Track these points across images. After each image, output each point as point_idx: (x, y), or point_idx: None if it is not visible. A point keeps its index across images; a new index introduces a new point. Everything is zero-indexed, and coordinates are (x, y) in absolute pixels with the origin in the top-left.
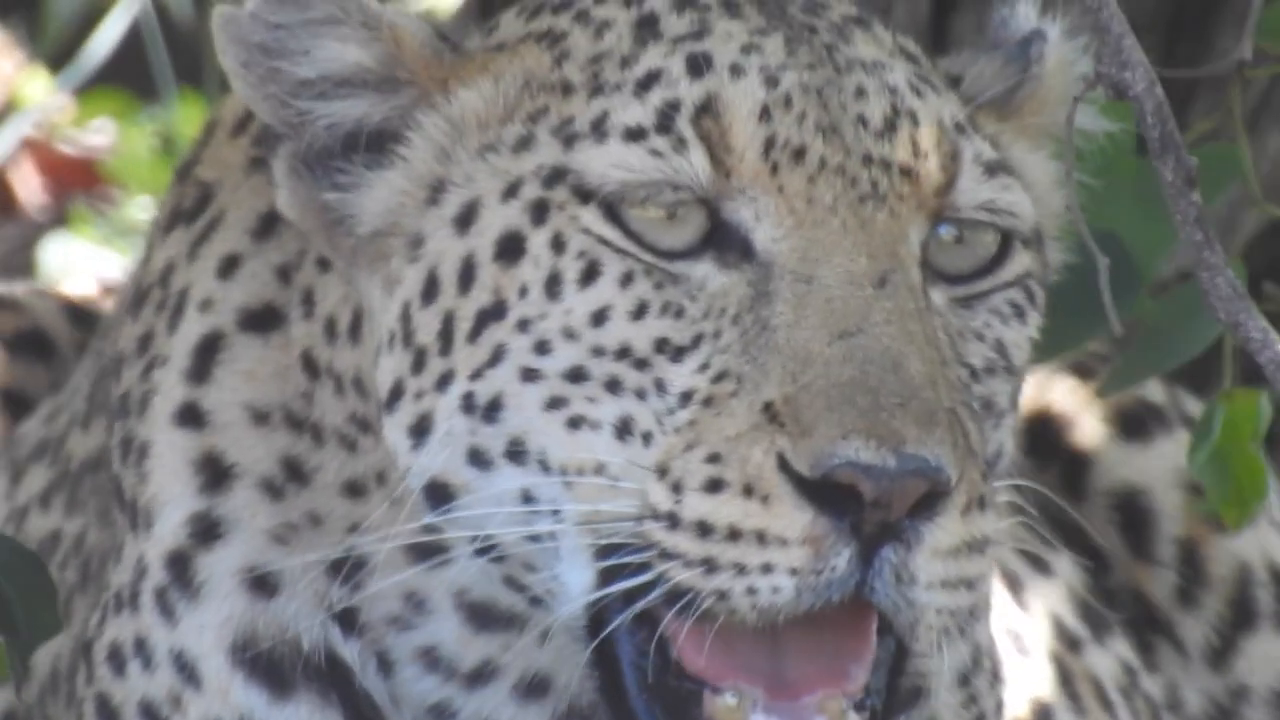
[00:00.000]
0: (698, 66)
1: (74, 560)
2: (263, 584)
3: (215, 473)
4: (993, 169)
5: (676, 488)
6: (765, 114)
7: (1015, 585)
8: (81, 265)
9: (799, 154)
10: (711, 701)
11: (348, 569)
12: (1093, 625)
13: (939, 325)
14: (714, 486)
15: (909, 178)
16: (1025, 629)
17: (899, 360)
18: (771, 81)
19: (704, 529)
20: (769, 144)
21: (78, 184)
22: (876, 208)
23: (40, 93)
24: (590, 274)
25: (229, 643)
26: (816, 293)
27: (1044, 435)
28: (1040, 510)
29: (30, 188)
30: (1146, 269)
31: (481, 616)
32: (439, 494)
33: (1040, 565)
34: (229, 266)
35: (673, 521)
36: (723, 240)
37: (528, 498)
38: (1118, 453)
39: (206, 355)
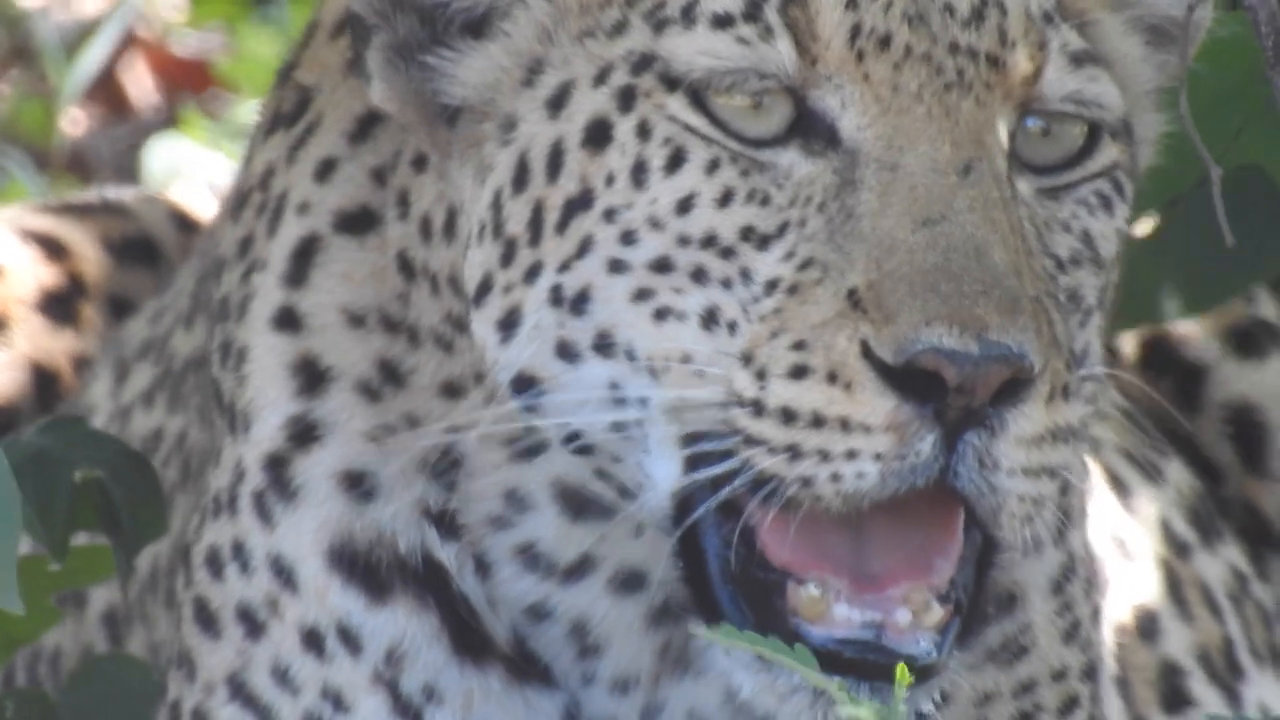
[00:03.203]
0: None
1: (175, 458)
2: (359, 487)
3: (312, 376)
4: (1079, 59)
5: (761, 375)
6: (852, 2)
7: (1123, 490)
8: (188, 167)
9: (885, 41)
10: (795, 592)
11: (440, 465)
12: (1203, 531)
13: (1025, 215)
14: (798, 373)
15: (996, 67)
16: (1130, 534)
17: (983, 248)
18: None
19: (788, 415)
20: (855, 31)
21: (190, 85)
22: (962, 96)
23: None
24: (676, 161)
25: (326, 546)
26: (901, 180)
27: (1158, 350)
28: (1154, 420)
29: (143, 88)
30: None
31: (578, 505)
32: (525, 386)
33: (1150, 471)
34: (326, 170)
35: (757, 408)
36: (809, 128)
37: (614, 388)
38: (1232, 368)
39: (303, 259)
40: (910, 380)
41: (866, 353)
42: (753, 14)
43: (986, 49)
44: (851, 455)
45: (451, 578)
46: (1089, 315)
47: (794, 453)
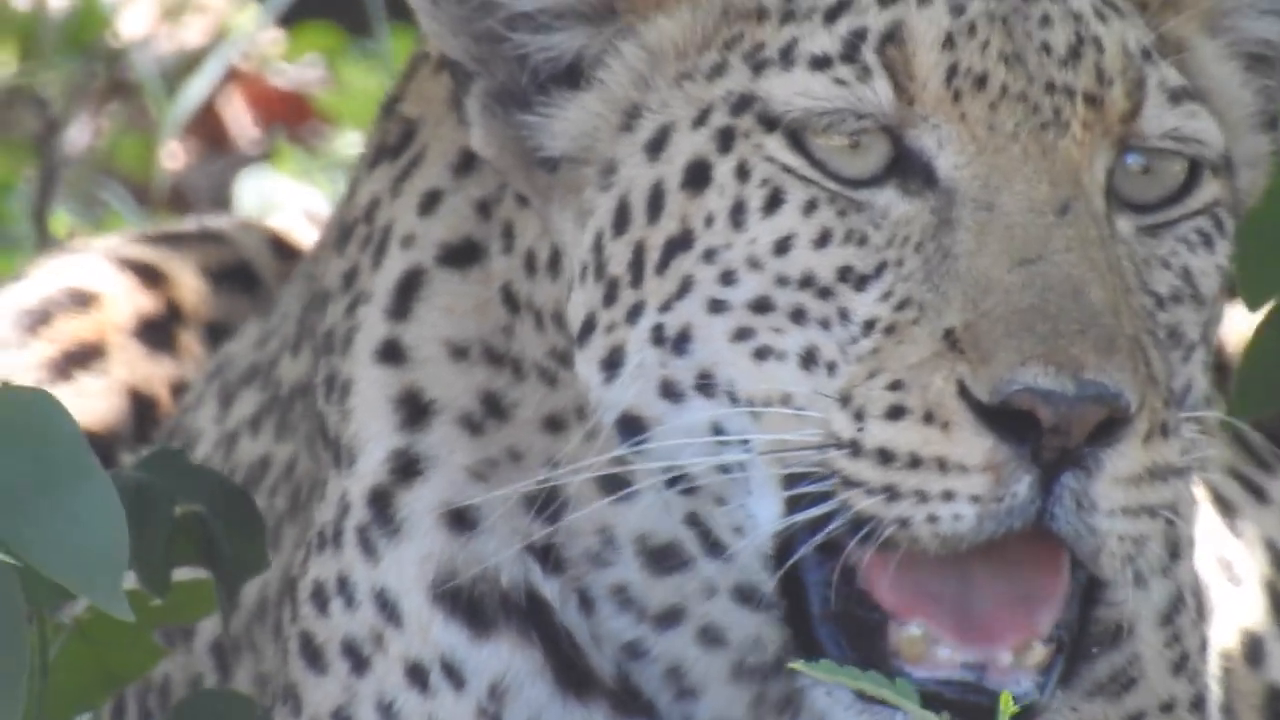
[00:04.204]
0: None
1: (284, 487)
2: (462, 521)
3: (415, 409)
4: (1178, 96)
5: (859, 415)
6: (949, 42)
7: (1229, 510)
8: (280, 200)
9: (981, 81)
10: (896, 632)
11: (543, 503)
12: None
13: (1123, 253)
14: (895, 414)
15: (1093, 105)
16: (1237, 556)
17: (1079, 287)
18: (956, 9)
19: (885, 456)
20: (951, 71)
21: (287, 118)
22: (1059, 135)
23: (249, 24)
24: (774, 202)
25: (429, 581)
26: (997, 220)
27: None
28: (1260, 434)
29: (241, 121)
30: None
31: (661, 561)
32: (631, 426)
33: (1257, 491)
34: (430, 202)
35: (855, 449)
36: (906, 168)
37: (717, 429)
38: None
39: (407, 292)
40: (1007, 420)
41: (963, 392)
42: (850, 55)
43: (1084, 87)
44: (948, 496)
45: (554, 612)
46: (1191, 351)
47: (891, 494)
